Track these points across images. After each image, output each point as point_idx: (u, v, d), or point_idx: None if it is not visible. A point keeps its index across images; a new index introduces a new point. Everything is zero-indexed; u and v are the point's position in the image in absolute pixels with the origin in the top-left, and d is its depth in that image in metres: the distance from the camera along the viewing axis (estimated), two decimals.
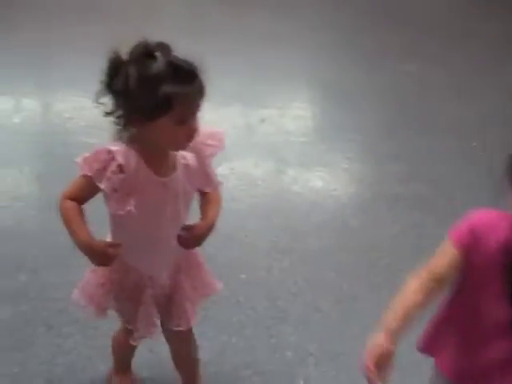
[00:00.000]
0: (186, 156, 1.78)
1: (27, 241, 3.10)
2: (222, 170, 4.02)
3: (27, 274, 2.83)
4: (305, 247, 3.22)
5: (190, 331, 2.03)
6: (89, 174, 1.66)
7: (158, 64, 1.59)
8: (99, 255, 1.75)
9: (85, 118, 4.69)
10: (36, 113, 5.15)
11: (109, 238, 1.87)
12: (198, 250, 2.00)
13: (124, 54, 1.63)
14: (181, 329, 1.97)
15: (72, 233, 1.75)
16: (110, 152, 1.64)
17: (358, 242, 3.30)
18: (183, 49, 1.65)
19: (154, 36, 1.66)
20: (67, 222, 1.75)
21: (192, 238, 1.87)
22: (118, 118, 1.69)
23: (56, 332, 2.47)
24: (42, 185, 3.81)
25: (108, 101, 1.68)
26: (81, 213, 1.75)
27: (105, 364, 2.30)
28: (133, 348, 2.13)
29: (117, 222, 1.82)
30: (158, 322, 1.95)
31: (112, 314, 2.15)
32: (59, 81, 5.55)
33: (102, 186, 1.65)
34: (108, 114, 1.69)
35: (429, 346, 1.83)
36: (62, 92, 5.48)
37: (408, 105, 5.49)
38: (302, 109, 5.35)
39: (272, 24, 5.93)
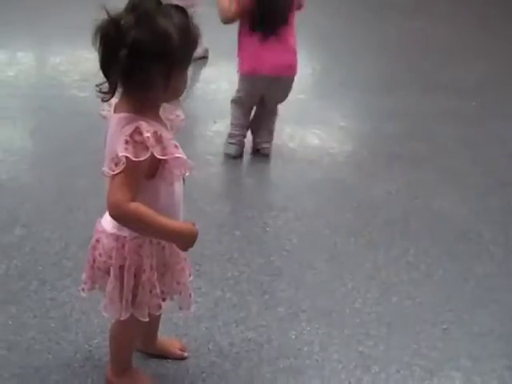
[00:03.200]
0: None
1: (21, 195, 3.09)
2: (217, 126, 4.00)
3: (21, 229, 2.82)
4: (300, 205, 3.22)
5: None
6: (134, 159, 1.56)
7: (177, 13, 1.58)
8: (195, 236, 1.72)
9: (80, 71, 4.65)
10: (31, 66, 5.10)
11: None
12: None
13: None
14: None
15: (162, 228, 1.66)
16: (147, 125, 1.58)
17: (354, 201, 3.30)
18: None
19: None
20: (149, 223, 1.63)
21: None
22: (138, 81, 1.57)
23: (50, 286, 2.47)
24: (35, 139, 3.78)
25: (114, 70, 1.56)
26: (147, 209, 1.63)
27: (98, 317, 2.30)
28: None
29: (163, 194, 1.73)
30: None
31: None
32: (55, 34, 5.48)
33: (148, 155, 1.57)
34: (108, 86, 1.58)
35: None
36: (57, 45, 5.41)
37: (409, 62, 5.44)
38: (301, 65, 5.28)
39: None
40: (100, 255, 1.79)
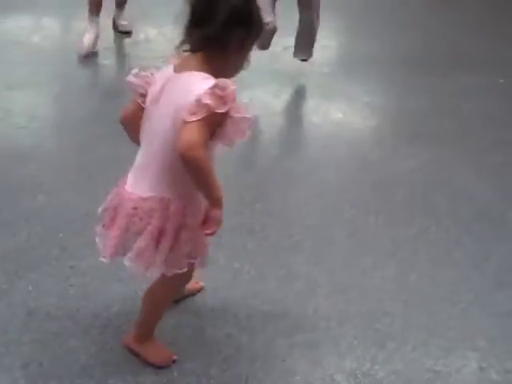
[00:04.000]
0: None
1: (43, 162, 3.11)
2: (241, 98, 3.97)
3: (43, 196, 2.85)
4: (322, 179, 3.21)
5: None
6: (215, 110, 1.66)
7: None
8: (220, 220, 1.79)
9: (104, 39, 4.63)
10: (56, 32, 5.11)
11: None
12: None
13: None
14: None
15: (217, 185, 1.74)
16: (220, 85, 1.67)
17: (375, 177, 3.28)
18: None
19: None
20: (210, 175, 1.72)
21: None
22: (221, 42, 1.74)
23: (70, 254, 2.50)
24: (58, 106, 3.80)
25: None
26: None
27: (117, 286, 2.33)
28: None
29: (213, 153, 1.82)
30: None
31: None
32: (80, 0, 5.46)
33: (226, 109, 1.68)
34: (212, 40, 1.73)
35: None
36: (81, 12, 5.38)
37: (436, 38, 5.36)
38: (327, 38, 5.23)
39: None
40: (141, 219, 1.81)
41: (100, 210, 1.98)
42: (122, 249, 1.89)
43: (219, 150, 1.83)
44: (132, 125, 1.88)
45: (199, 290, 2.33)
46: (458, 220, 2.97)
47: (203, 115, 1.65)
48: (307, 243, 2.71)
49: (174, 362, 2.07)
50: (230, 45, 1.75)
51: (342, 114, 3.94)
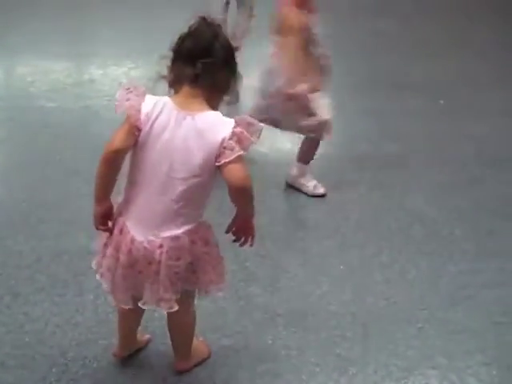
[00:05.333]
0: None
1: None
2: None
3: None
4: (272, 208, 3.22)
5: None
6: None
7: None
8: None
9: (47, 81, 4.60)
10: None
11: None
12: None
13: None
14: None
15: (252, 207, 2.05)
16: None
17: (326, 202, 3.31)
18: None
19: None
20: (252, 199, 2.02)
21: None
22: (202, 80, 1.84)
23: (23, 300, 2.44)
24: (4, 150, 3.74)
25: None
26: None
27: (73, 331, 2.29)
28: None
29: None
30: None
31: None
32: (22, 45, 5.42)
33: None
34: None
35: None
36: (24, 56, 5.35)
37: (378, 63, 5.47)
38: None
39: None
40: (178, 259, 1.87)
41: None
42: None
43: None
44: (121, 159, 1.85)
45: (149, 341, 2.29)
46: (410, 241, 3.02)
47: (244, 151, 1.82)
48: (262, 273, 2.71)
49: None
50: (224, 81, 1.89)
51: (289, 143, 3.97)
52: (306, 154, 3.43)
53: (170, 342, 2.17)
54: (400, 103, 4.62)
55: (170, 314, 2.00)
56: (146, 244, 1.84)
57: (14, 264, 2.65)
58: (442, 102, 4.70)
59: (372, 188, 3.47)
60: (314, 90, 3.25)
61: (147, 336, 2.26)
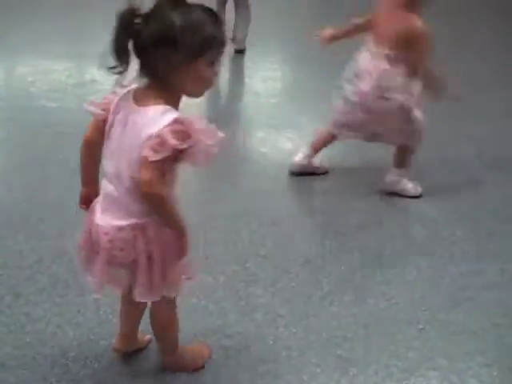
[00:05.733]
0: None
1: None
2: None
3: None
4: (273, 209, 3.22)
5: None
6: (178, 147, 1.68)
7: (197, 8, 1.72)
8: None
9: (48, 81, 4.61)
10: None
11: None
12: None
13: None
14: None
15: (177, 220, 1.84)
16: (179, 120, 1.69)
17: (327, 203, 3.31)
18: None
19: None
20: (171, 210, 1.82)
21: None
22: (145, 69, 1.74)
23: (24, 300, 2.44)
24: (3, 150, 3.74)
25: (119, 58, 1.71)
26: None
27: (74, 331, 2.29)
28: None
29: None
30: None
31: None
32: (22, 45, 5.43)
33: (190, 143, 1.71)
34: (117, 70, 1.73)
35: None
36: (24, 56, 5.36)
37: None
38: (272, 70, 5.31)
39: None
40: (122, 250, 1.81)
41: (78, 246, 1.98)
42: (108, 282, 1.91)
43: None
44: (92, 148, 1.88)
45: (149, 342, 2.27)
46: (411, 242, 3.02)
47: (164, 155, 1.66)
48: (263, 274, 2.71)
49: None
50: (159, 67, 1.71)
51: (291, 143, 3.98)
52: (404, 159, 3.43)
53: None
54: None
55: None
56: (97, 228, 1.84)
57: (14, 264, 2.65)
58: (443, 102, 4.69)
59: (372, 188, 3.47)
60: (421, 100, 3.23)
61: (148, 336, 2.26)
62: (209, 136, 1.74)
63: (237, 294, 2.56)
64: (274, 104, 4.62)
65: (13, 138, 3.87)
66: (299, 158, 3.53)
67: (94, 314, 2.38)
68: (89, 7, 6.29)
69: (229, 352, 2.27)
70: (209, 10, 1.75)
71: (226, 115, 4.50)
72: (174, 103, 1.76)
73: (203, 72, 1.75)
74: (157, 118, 1.69)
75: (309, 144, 3.55)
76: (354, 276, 2.74)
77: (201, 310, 2.47)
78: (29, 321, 2.34)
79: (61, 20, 5.81)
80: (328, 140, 3.53)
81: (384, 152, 3.55)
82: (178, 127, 1.67)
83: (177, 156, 1.71)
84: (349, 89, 3.30)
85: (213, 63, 1.76)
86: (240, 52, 5.72)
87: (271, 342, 2.34)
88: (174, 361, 2.16)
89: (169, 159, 1.69)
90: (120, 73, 1.72)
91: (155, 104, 1.72)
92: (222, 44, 1.78)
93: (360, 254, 2.90)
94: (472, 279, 2.77)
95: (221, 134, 1.79)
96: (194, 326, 2.37)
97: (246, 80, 5.02)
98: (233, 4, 5.58)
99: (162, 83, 1.74)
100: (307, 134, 4.12)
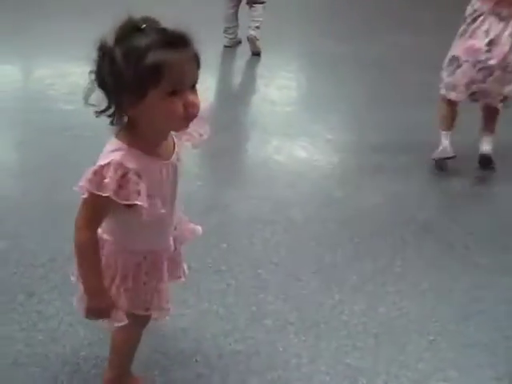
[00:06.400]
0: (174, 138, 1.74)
1: (7, 208, 3.08)
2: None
3: (7, 241, 2.81)
4: (287, 217, 3.23)
5: None
6: (106, 195, 1.52)
7: (145, 34, 1.50)
8: (101, 310, 1.72)
9: (66, 84, 4.64)
10: (17, 79, 5.09)
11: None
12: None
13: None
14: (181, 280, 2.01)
15: (87, 278, 1.69)
16: (120, 165, 1.54)
17: (341, 212, 3.31)
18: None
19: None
20: (84, 264, 1.67)
21: None
22: (112, 110, 1.56)
23: (37, 299, 2.46)
24: (21, 152, 3.77)
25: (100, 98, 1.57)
26: (98, 251, 1.67)
27: (85, 330, 2.30)
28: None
29: (125, 220, 1.70)
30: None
31: None
32: (40, 47, 5.49)
33: (131, 201, 1.55)
34: (101, 111, 1.56)
35: None
36: (43, 59, 5.41)
37: (393, 76, 5.49)
38: (287, 78, 5.33)
39: None
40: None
41: None
42: None
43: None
44: None
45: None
46: (424, 252, 3.01)
47: (85, 196, 1.57)
48: (275, 281, 2.71)
49: None
50: (124, 108, 1.56)
51: (305, 152, 3.99)
52: (494, 123, 3.80)
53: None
54: (415, 116, 4.62)
55: None
56: None
57: (28, 263, 2.67)
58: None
59: (386, 200, 3.47)
60: None
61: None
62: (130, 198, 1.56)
63: (248, 300, 2.57)
64: (290, 112, 4.64)
65: (30, 140, 3.90)
66: (449, 147, 3.77)
67: None
68: (108, 9, 6.34)
69: (238, 357, 2.28)
70: (164, 31, 1.52)
71: (241, 122, 4.51)
72: (145, 142, 1.61)
73: (161, 106, 1.51)
74: (104, 154, 1.58)
75: (445, 134, 3.77)
76: (366, 285, 2.74)
77: (212, 314, 2.47)
78: (41, 319, 2.36)
79: (79, 22, 5.85)
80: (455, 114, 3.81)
81: (395, 160, 3.54)
82: (98, 175, 1.53)
83: (101, 205, 1.57)
84: (483, 58, 3.56)
85: (174, 92, 1.51)
86: (257, 55, 5.77)
87: (281, 349, 2.34)
88: (108, 373, 2.05)
89: (91, 203, 1.57)
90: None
91: (116, 138, 1.61)
92: (182, 66, 1.51)
93: (372, 263, 2.90)
94: (484, 292, 2.76)
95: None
96: (204, 329, 2.38)
97: (262, 88, 5.03)
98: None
99: (130, 120, 1.60)
100: (322, 142, 4.15)
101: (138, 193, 1.56)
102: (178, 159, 1.74)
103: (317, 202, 3.43)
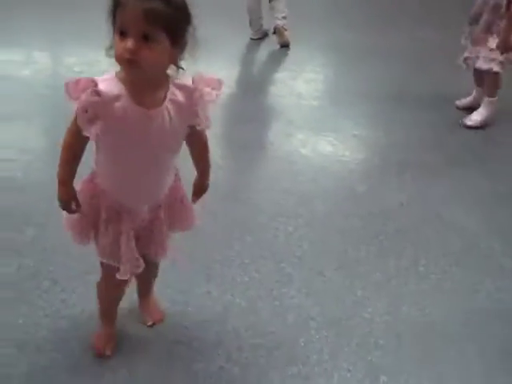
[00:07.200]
0: (174, 92, 1.80)
1: (35, 195, 3.10)
2: (234, 131, 4.00)
3: (34, 228, 2.84)
4: (311, 211, 3.22)
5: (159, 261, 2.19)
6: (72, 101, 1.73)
7: None
8: (61, 201, 1.96)
9: (94, 72, 4.64)
10: (46, 66, 5.13)
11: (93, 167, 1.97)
12: (179, 184, 2.07)
13: None
14: (157, 260, 2.16)
15: (59, 173, 1.92)
16: (92, 80, 1.71)
17: (365, 208, 3.29)
18: None
19: None
20: (60, 157, 1.93)
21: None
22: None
23: (61, 287, 2.48)
24: (49, 138, 3.80)
25: None
26: (73, 152, 1.90)
27: None
28: (119, 296, 2.18)
29: (103, 152, 1.89)
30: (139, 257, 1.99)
31: None
32: (70, 34, 5.52)
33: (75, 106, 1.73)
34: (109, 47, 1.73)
35: None
36: (72, 46, 5.44)
37: (423, 72, 5.43)
38: (314, 72, 5.30)
39: None
40: None
41: None
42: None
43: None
44: None
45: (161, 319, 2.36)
46: (448, 252, 2.99)
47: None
48: (298, 275, 2.71)
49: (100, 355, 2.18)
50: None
51: (331, 146, 3.98)
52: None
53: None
54: (444, 114, 4.58)
55: None
56: None
57: (53, 251, 2.69)
58: None
59: (411, 197, 3.44)
60: None
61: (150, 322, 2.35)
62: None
63: (271, 294, 2.57)
64: (316, 106, 4.61)
65: (58, 127, 3.91)
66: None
67: (127, 301, 2.41)
68: None
69: (260, 351, 2.28)
70: None
71: (267, 115, 4.50)
72: (129, 85, 1.74)
73: (116, 42, 1.69)
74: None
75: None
76: (389, 283, 2.72)
77: (234, 307, 2.48)
78: (64, 306, 2.39)
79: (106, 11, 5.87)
80: None
81: (420, 157, 3.51)
82: (72, 85, 1.73)
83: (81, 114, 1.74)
84: None
85: (123, 33, 1.66)
86: (285, 46, 5.75)
87: (302, 344, 2.34)
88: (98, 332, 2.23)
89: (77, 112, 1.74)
90: None
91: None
92: (131, 8, 1.63)
93: (396, 260, 2.88)
94: (508, 294, 2.73)
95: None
96: (227, 321, 2.39)
97: (289, 81, 5.01)
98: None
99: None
100: (347, 137, 4.12)
101: (92, 121, 1.73)
102: (170, 115, 1.80)
103: (341, 197, 3.41)
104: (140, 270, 1.99)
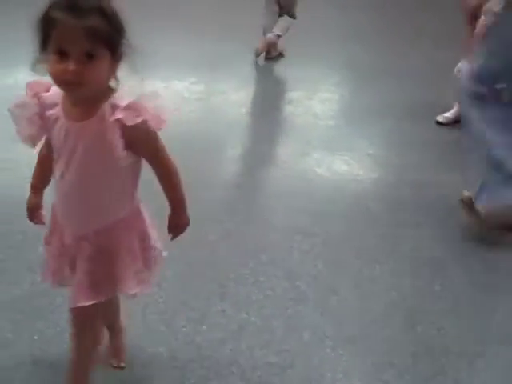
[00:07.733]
0: (109, 110, 1.65)
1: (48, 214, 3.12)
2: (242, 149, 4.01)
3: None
4: (326, 230, 3.21)
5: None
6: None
7: None
8: (27, 209, 1.97)
9: None
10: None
11: None
12: (140, 219, 1.87)
13: None
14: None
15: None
16: (47, 84, 1.71)
17: (380, 228, 3.28)
18: None
19: None
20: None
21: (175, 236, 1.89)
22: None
23: None
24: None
25: None
26: (42, 161, 1.88)
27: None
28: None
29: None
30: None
31: None
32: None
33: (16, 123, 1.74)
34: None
35: None
36: None
37: (437, 91, 5.42)
38: (330, 92, 5.32)
39: (302, 3, 5.87)
40: None
41: None
42: None
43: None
44: None
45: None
46: (465, 271, 2.96)
47: None
48: (313, 294, 2.70)
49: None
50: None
51: (346, 165, 3.97)
52: None
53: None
54: (458, 134, 4.56)
55: None
56: None
57: None
58: None
59: (427, 215, 3.42)
60: None
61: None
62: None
63: (285, 312, 2.56)
64: (332, 126, 4.62)
65: None
66: None
67: (141, 321, 2.42)
68: (150, 20, 6.42)
69: (274, 369, 2.27)
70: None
71: (283, 134, 4.52)
72: (64, 97, 1.70)
73: (51, 63, 1.58)
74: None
75: None
76: (404, 302, 2.71)
77: (249, 325, 2.47)
78: None
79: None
80: None
81: (436, 177, 3.49)
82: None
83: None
84: None
85: (58, 52, 1.55)
86: (256, 55, 5.83)
87: (316, 363, 2.32)
88: None
89: None
90: None
91: None
92: (67, 27, 1.52)
93: (411, 280, 2.86)
94: None
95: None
96: (241, 340, 2.38)
97: (305, 101, 5.03)
98: None
99: None
100: (362, 157, 4.12)
101: (31, 122, 1.73)
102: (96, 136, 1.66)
103: (356, 216, 3.40)
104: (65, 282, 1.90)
